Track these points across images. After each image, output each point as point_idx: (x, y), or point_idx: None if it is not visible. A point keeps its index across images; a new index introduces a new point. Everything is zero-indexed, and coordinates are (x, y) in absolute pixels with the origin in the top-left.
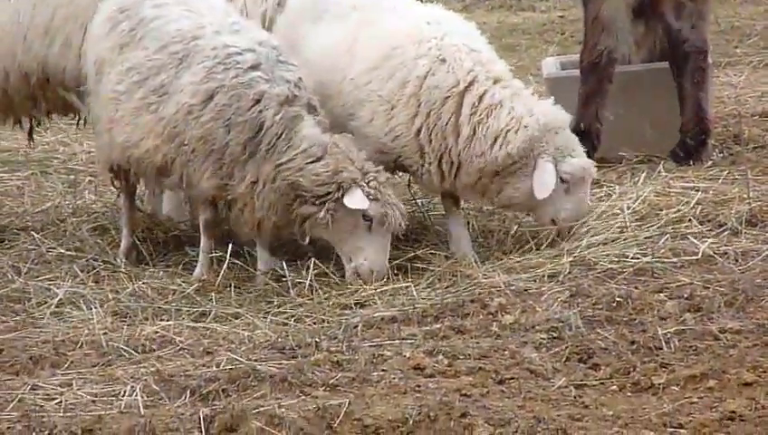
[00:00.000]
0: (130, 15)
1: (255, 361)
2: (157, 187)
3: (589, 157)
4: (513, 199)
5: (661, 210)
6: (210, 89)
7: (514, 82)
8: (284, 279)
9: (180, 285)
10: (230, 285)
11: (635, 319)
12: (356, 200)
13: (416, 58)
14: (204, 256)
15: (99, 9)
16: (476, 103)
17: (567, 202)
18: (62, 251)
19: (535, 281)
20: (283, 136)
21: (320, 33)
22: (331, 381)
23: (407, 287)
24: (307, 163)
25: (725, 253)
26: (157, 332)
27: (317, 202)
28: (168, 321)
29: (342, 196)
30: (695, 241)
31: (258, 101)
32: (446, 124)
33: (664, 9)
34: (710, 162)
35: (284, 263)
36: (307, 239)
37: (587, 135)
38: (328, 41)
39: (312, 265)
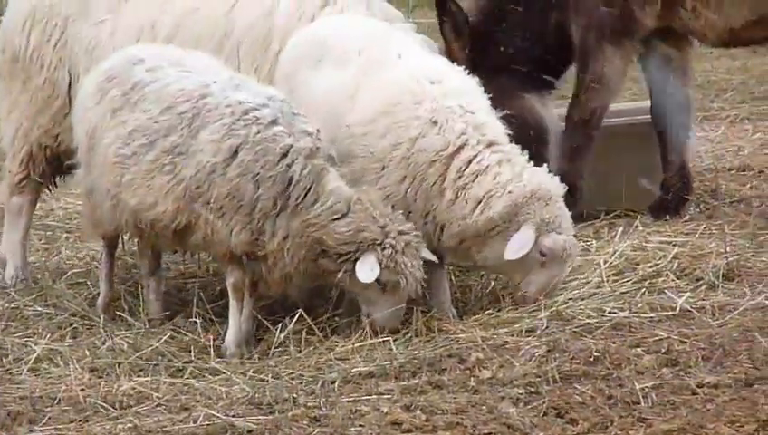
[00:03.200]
0: (121, 81)
1: (233, 416)
2: (174, 248)
3: (570, 211)
4: (488, 261)
5: (638, 265)
6: (233, 145)
7: (508, 147)
8: (263, 336)
9: (160, 339)
10: (209, 342)
11: (612, 374)
12: (365, 271)
13: (411, 119)
14: (234, 321)
15: (83, 84)
16: (463, 168)
17: (540, 276)
18: (39, 308)
19: (513, 336)
20: (312, 190)
21: (320, 78)
22: None
23: (384, 342)
24: (331, 220)
25: (703, 307)
26: (134, 387)
27: (338, 260)
28: (145, 377)
29: (359, 258)
30: (672, 296)
31: (285, 155)
32: (432, 187)
33: (648, 65)
34: (687, 217)
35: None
36: (336, 291)
37: (571, 191)
38: (329, 84)
39: (289, 321)
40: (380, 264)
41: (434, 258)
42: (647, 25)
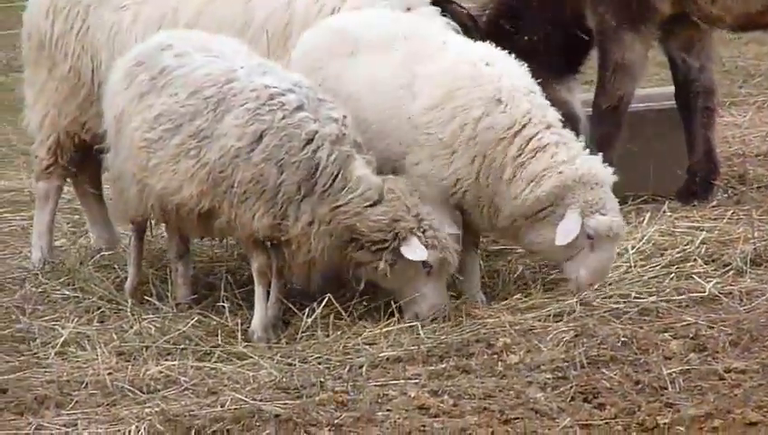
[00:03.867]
0: (149, 66)
1: (260, 401)
2: (200, 233)
3: None
4: (535, 246)
5: (666, 250)
6: (258, 130)
7: (565, 131)
8: (290, 321)
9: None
10: (236, 325)
11: (640, 359)
12: (416, 251)
13: (475, 99)
14: (260, 306)
15: (114, 68)
16: (524, 145)
17: (590, 259)
18: (67, 292)
19: (540, 320)
20: (339, 177)
21: (358, 69)
22: (336, 422)
23: (412, 327)
24: (365, 207)
25: (730, 293)
26: (161, 371)
27: (373, 249)
28: (172, 361)
29: (399, 245)
30: (699, 281)
31: (310, 141)
32: (498, 165)
33: (671, 50)
34: (715, 202)
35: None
36: (362, 284)
37: None
38: (372, 76)
39: (317, 306)
40: (426, 245)
41: (458, 230)
42: (664, 11)
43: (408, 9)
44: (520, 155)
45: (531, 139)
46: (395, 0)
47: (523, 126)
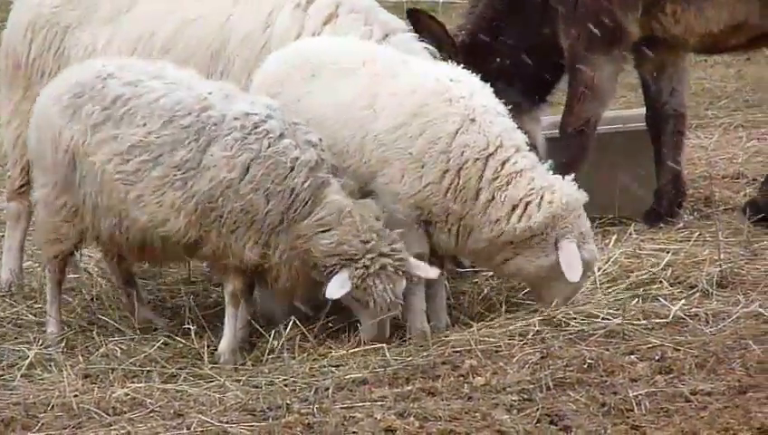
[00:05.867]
0: (93, 97)
1: (226, 423)
2: (184, 260)
3: None
4: (522, 271)
5: (632, 272)
6: (246, 160)
7: (531, 154)
8: (256, 343)
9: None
10: (203, 348)
11: (606, 381)
12: (334, 288)
13: (446, 115)
14: (230, 329)
15: (40, 103)
16: (499, 169)
17: (566, 284)
18: (32, 316)
19: (506, 342)
20: (309, 202)
21: (325, 90)
22: None
23: (378, 349)
24: (317, 232)
25: (696, 315)
26: (127, 394)
27: (324, 272)
28: (138, 383)
29: (334, 274)
30: (666, 303)
31: (293, 169)
32: (469, 186)
33: (643, 72)
34: (681, 224)
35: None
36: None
37: None
38: (335, 98)
39: (283, 328)
40: (351, 283)
41: (432, 274)
42: (633, 33)
43: (386, 36)
44: (496, 178)
45: (505, 162)
46: (375, 26)
47: (496, 148)
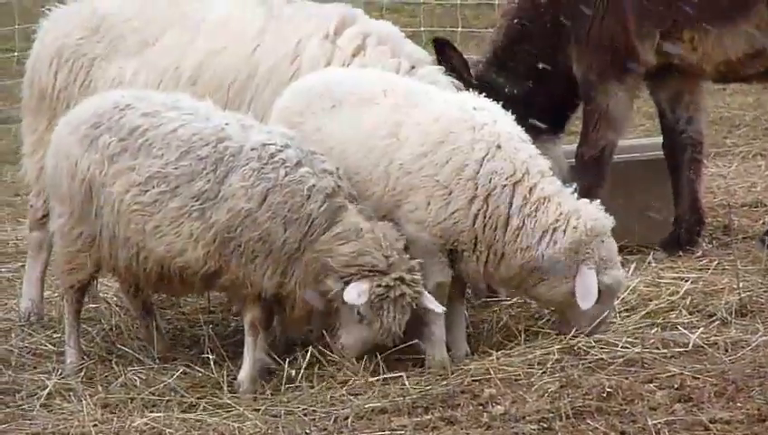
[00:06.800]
0: (111, 127)
1: None
2: (202, 291)
3: None
4: (544, 297)
5: (651, 300)
6: (264, 189)
7: (556, 179)
8: (275, 372)
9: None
10: (222, 377)
11: (625, 409)
12: (352, 295)
13: (472, 143)
14: (250, 358)
15: (58, 132)
16: (528, 196)
17: (595, 310)
18: (51, 346)
19: (526, 371)
20: (326, 225)
21: (347, 120)
22: None
23: (397, 377)
24: (337, 245)
25: (715, 343)
26: (147, 423)
27: (337, 279)
28: (158, 412)
29: (351, 281)
30: (684, 331)
31: (309, 197)
32: (500, 213)
33: (660, 101)
34: (700, 253)
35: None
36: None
37: None
38: (363, 126)
39: (302, 357)
40: (368, 296)
41: (439, 309)
42: (649, 61)
43: (413, 68)
44: (525, 205)
45: (532, 188)
46: (402, 58)
47: (523, 175)
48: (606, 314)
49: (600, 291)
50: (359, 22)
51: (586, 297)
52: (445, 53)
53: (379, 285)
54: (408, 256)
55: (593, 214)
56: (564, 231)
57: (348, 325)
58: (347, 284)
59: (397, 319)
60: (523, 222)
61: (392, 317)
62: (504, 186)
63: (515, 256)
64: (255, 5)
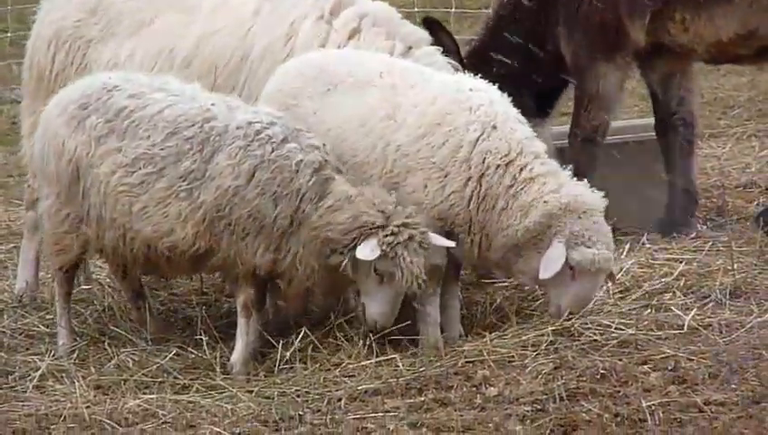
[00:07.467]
0: (98, 108)
1: (239, 434)
2: (191, 272)
3: None
4: (520, 273)
5: (645, 282)
6: (251, 166)
7: (552, 160)
8: (268, 353)
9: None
10: (215, 359)
11: (619, 391)
12: (365, 251)
13: (467, 124)
14: (242, 340)
15: (46, 113)
16: (517, 175)
17: (572, 287)
18: (44, 327)
19: (519, 352)
20: (316, 199)
21: (343, 103)
22: None
23: (390, 359)
24: (332, 216)
25: (710, 325)
26: (140, 405)
27: (345, 251)
28: (150, 394)
29: (358, 244)
30: (679, 313)
31: (298, 171)
32: (492, 194)
33: (651, 82)
34: (694, 234)
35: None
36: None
37: None
38: (360, 109)
39: (296, 338)
40: (380, 249)
41: (450, 243)
42: (638, 41)
43: (410, 48)
44: (512, 185)
45: (522, 169)
46: (397, 40)
47: (517, 155)
48: (586, 293)
49: (571, 268)
50: (356, 3)
51: (546, 266)
52: (435, 34)
53: (386, 235)
54: (401, 206)
55: (574, 191)
56: (537, 206)
57: (370, 293)
58: (350, 252)
59: (415, 262)
60: (507, 203)
61: (410, 261)
62: (498, 166)
63: (498, 236)
64: None
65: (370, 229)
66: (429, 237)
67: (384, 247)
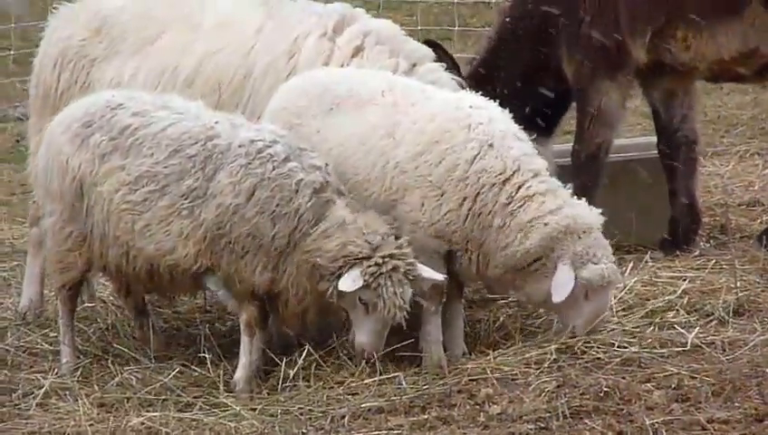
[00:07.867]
0: (102, 126)
1: None
2: (194, 290)
3: None
4: (532, 298)
5: (648, 300)
6: (251, 185)
7: (552, 179)
8: (272, 371)
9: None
10: (218, 376)
11: (622, 409)
12: (347, 282)
13: (465, 142)
14: (246, 358)
15: (50, 131)
16: (513, 193)
17: (586, 307)
18: (48, 345)
19: (522, 370)
20: (313, 221)
21: (345, 121)
22: None
23: (393, 377)
24: (323, 242)
25: (713, 343)
26: (143, 423)
27: (331, 279)
28: (154, 412)
29: (343, 274)
30: (682, 331)
31: (297, 191)
32: (489, 213)
33: (653, 100)
34: (697, 252)
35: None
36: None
37: None
38: (361, 127)
39: (299, 357)
40: (363, 279)
41: (440, 276)
42: (639, 58)
43: (414, 65)
44: (509, 203)
45: (520, 187)
46: (400, 58)
47: (513, 173)
48: (601, 309)
49: (582, 286)
50: (359, 21)
51: (557, 290)
52: (436, 55)
53: (369, 266)
54: (394, 236)
55: (575, 212)
56: (537, 228)
57: (357, 322)
58: (336, 281)
59: (398, 293)
60: (504, 221)
61: (392, 292)
62: (493, 184)
63: (496, 255)
64: (256, 5)
65: (355, 259)
66: (417, 269)
67: (367, 278)
